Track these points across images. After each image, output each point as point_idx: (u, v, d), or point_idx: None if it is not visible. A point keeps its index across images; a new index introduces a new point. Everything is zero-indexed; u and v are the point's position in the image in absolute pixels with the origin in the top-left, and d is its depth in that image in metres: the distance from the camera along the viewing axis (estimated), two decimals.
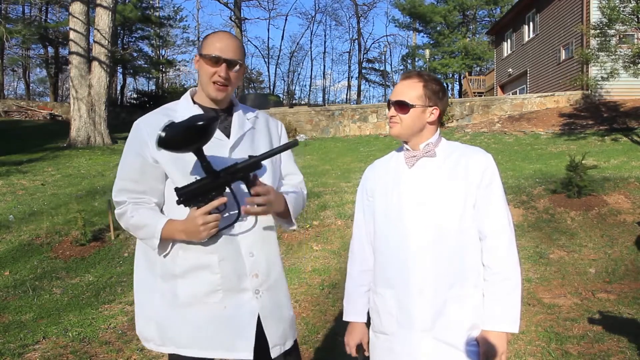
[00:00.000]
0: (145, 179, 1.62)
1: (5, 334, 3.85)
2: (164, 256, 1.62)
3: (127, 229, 1.66)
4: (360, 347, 1.81)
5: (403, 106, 1.65)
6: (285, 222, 1.78)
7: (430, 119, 1.67)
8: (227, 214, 1.59)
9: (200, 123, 1.44)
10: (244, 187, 1.58)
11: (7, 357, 3.44)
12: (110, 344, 3.65)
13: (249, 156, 1.56)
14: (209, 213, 1.52)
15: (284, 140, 1.82)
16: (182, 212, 1.57)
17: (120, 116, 21.63)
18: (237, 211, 1.58)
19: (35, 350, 3.57)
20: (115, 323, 4.05)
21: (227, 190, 1.56)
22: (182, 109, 1.65)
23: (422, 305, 1.60)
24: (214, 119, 1.48)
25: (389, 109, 1.70)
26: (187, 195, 1.52)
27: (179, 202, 1.53)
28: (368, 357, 1.78)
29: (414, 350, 1.61)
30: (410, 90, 1.66)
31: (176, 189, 1.53)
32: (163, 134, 1.43)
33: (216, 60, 1.59)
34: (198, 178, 1.55)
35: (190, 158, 1.58)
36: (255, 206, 1.57)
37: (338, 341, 3.66)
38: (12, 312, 4.39)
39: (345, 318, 1.84)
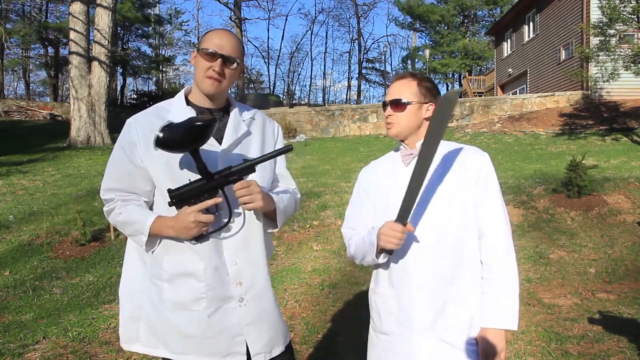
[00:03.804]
0: (133, 179, 1.61)
1: (5, 334, 3.85)
2: (152, 252, 1.61)
3: (115, 226, 1.66)
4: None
5: (399, 104, 1.66)
6: (268, 224, 1.73)
7: (426, 115, 1.68)
8: (218, 218, 1.57)
9: (199, 124, 1.44)
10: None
11: (7, 357, 3.44)
12: (110, 344, 3.65)
13: (243, 160, 1.56)
14: (202, 213, 1.51)
15: (280, 144, 1.80)
16: (173, 213, 1.57)
17: (120, 116, 21.52)
18: (228, 215, 1.56)
19: (35, 350, 3.57)
20: (115, 323, 4.04)
21: (220, 193, 1.55)
22: (175, 109, 1.64)
23: (422, 305, 1.60)
24: (212, 121, 1.48)
25: (384, 110, 1.70)
26: (180, 197, 1.52)
27: (170, 204, 1.53)
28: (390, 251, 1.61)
29: (414, 350, 1.61)
30: (405, 89, 1.67)
31: (169, 191, 1.52)
32: (161, 135, 1.43)
33: (212, 55, 1.57)
34: (187, 182, 1.54)
35: (177, 162, 1.57)
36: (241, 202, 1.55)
37: (338, 341, 3.66)
38: (12, 312, 4.38)
39: (377, 243, 1.59)
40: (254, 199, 1.54)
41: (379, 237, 1.57)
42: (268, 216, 1.70)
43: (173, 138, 1.44)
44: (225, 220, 1.57)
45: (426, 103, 1.68)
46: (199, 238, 1.55)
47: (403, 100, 1.66)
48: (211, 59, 1.58)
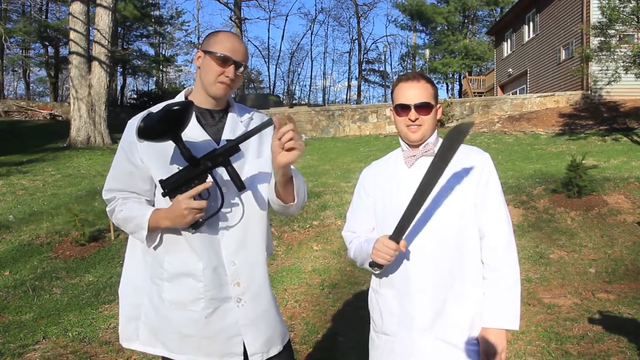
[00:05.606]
0: (133, 179, 1.62)
1: (5, 334, 3.85)
2: (154, 249, 1.61)
3: (118, 225, 1.67)
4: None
5: (428, 107, 1.65)
6: (284, 204, 1.60)
7: (437, 116, 1.71)
8: (212, 203, 1.56)
9: (175, 108, 1.44)
10: (226, 176, 1.56)
11: (7, 357, 3.44)
12: (110, 344, 3.65)
13: (226, 140, 1.55)
14: (194, 199, 1.50)
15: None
16: None
17: (120, 116, 21.58)
18: (220, 200, 1.55)
19: (35, 350, 3.57)
20: (115, 323, 4.04)
21: (210, 178, 1.54)
22: None
23: (422, 305, 1.61)
24: (188, 105, 1.47)
25: (403, 114, 1.65)
26: (171, 186, 1.52)
27: (164, 194, 1.53)
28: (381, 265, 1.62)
29: (414, 350, 1.61)
30: (425, 91, 1.66)
31: (160, 181, 1.53)
32: (142, 124, 1.43)
33: (225, 61, 1.57)
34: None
35: (172, 156, 1.57)
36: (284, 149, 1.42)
37: (338, 341, 3.66)
38: (12, 312, 4.38)
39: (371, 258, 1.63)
40: (298, 145, 1.41)
41: (372, 250, 1.58)
42: (280, 194, 1.59)
43: (151, 126, 1.43)
44: (218, 205, 1.55)
45: (437, 105, 1.71)
46: (196, 226, 1.54)
47: (430, 104, 1.65)
48: (224, 65, 1.57)
